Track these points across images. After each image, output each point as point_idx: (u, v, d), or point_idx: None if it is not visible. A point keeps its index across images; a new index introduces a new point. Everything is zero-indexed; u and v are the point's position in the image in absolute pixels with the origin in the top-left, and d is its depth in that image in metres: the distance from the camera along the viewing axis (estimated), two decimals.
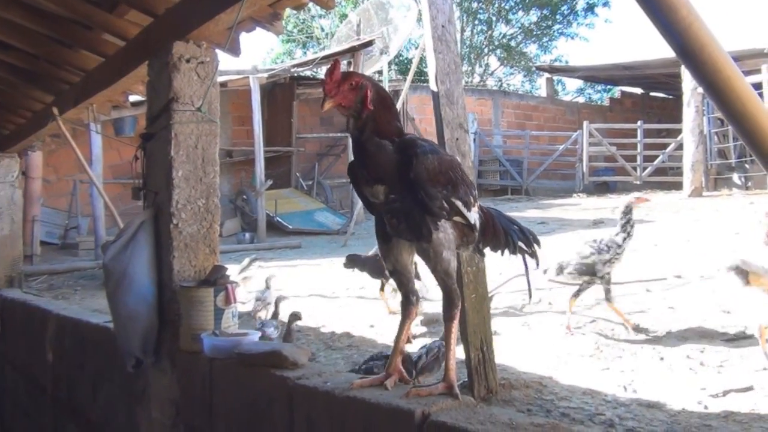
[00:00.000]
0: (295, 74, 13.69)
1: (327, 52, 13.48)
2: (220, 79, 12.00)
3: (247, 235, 11.34)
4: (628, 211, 3.98)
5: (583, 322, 4.02)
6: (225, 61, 13.66)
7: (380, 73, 13.98)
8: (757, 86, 11.81)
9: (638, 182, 15.76)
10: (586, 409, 2.77)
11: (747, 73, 13.09)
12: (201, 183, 3.16)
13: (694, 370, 3.16)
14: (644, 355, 3.43)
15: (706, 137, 13.57)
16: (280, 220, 11.95)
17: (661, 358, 3.35)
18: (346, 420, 2.00)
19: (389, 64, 15.16)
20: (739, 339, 3.53)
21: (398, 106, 11.99)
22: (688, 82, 12.53)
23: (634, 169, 15.99)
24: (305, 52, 23.77)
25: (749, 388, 2.84)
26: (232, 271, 5.70)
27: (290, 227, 11.75)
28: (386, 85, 13.34)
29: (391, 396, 1.97)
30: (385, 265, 1.95)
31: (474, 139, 16.94)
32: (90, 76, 4.31)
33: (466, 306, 2.97)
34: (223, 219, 12.29)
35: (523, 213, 11.59)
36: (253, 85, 11.57)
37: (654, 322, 3.93)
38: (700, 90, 12.25)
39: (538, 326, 4.03)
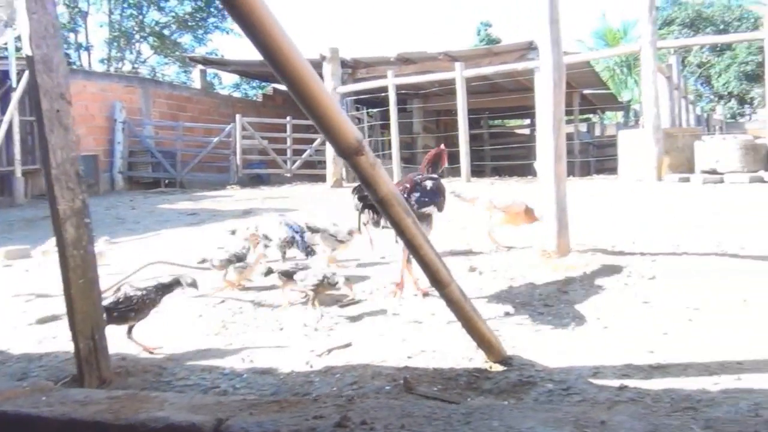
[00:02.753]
0: None
1: None
2: None
3: None
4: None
5: (213, 303, 4.05)
6: None
7: (6, 48, 12.18)
8: (384, 89, 13.40)
9: (289, 174, 16.65)
10: (202, 384, 2.78)
11: (378, 77, 14.79)
12: None
13: (308, 335, 3.42)
14: (266, 327, 3.59)
15: None
16: None
17: (281, 329, 3.56)
18: None
19: (19, 38, 13.28)
20: (349, 305, 3.93)
21: (21, 86, 10.51)
22: (328, 80, 13.63)
23: (285, 162, 16.87)
24: None
25: (348, 345, 3.17)
26: None
27: None
28: (13, 62, 11.72)
29: None
30: None
31: (123, 129, 15.94)
32: None
33: (73, 293, 2.75)
34: None
35: (175, 205, 11.29)
36: None
37: (275, 297, 4.15)
38: (339, 90, 13.45)
39: (169, 309, 3.93)
